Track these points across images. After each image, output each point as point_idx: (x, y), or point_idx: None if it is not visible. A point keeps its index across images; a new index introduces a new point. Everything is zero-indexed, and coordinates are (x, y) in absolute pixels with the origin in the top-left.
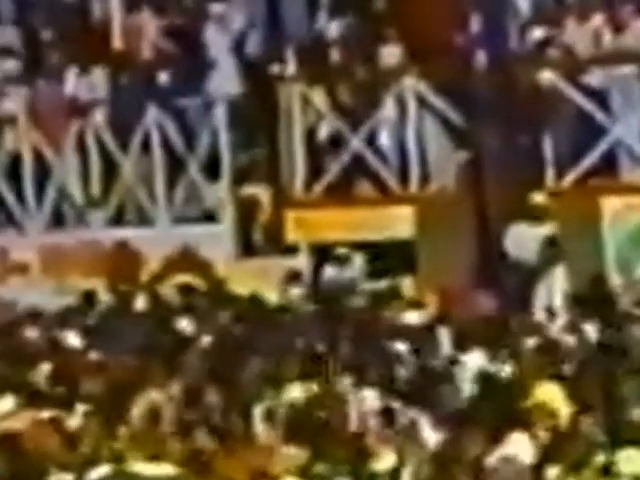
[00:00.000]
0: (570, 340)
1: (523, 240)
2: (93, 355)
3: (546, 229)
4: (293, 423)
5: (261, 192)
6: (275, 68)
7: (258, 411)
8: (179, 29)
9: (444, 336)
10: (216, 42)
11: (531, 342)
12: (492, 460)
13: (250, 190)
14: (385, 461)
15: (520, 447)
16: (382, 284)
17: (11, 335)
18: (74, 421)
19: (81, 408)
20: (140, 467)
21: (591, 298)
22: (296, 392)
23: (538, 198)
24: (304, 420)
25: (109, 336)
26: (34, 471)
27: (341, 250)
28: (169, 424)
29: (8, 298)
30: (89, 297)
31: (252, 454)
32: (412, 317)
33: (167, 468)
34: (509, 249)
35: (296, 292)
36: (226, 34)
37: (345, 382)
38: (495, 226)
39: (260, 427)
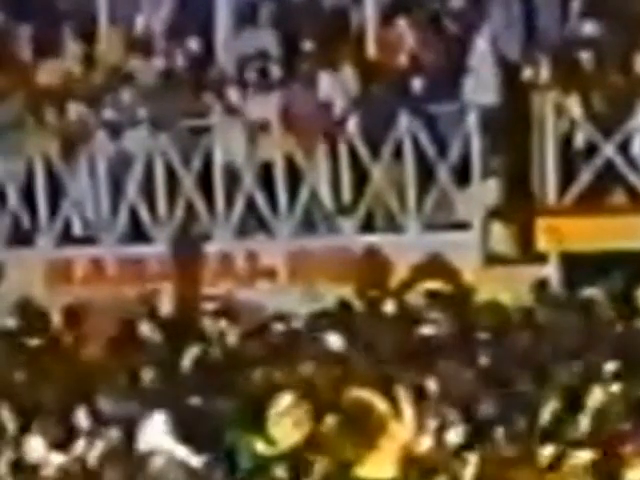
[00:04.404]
0: None
1: None
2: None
3: None
4: None
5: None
6: (528, 73)
7: None
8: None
9: None
10: (476, 47)
11: None
12: None
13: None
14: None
15: None
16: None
17: (261, 338)
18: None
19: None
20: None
21: None
22: None
23: None
24: None
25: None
26: None
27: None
28: None
29: (255, 301)
30: (344, 303)
31: None
32: None
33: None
34: None
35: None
36: (485, 39)
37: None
38: None
39: None
